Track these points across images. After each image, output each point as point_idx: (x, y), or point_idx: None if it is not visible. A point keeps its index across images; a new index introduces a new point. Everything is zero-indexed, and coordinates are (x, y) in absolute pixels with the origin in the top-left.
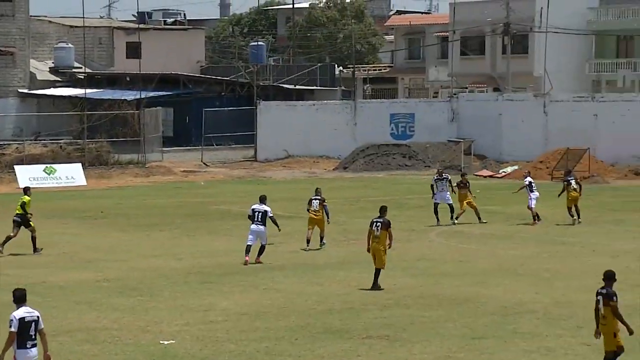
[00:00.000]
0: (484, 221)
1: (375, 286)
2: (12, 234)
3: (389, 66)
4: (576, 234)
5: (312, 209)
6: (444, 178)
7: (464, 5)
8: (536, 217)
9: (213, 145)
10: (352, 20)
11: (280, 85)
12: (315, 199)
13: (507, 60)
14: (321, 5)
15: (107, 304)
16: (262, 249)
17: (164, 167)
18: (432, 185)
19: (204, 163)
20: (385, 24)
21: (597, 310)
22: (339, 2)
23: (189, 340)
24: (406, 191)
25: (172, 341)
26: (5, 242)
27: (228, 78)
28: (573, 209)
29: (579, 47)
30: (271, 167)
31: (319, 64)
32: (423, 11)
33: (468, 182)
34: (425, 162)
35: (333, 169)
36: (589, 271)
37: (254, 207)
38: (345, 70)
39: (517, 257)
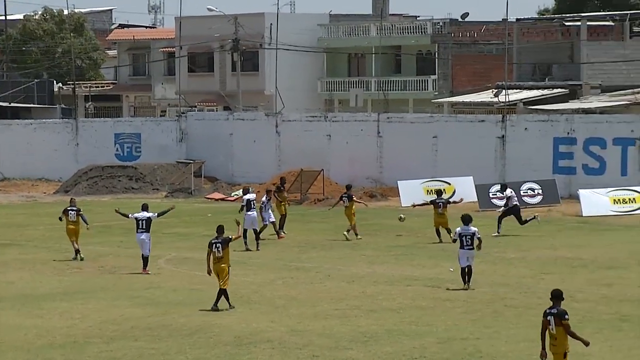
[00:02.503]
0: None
1: (215, 307)
2: None
3: (112, 83)
4: (311, 259)
5: (69, 219)
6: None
7: (191, 19)
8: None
9: None
10: (72, 34)
11: None
12: (72, 210)
13: (237, 77)
14: (37, 17)
15: None
16: (145, 259)
17: None
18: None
19: None
20: (107, 38)
21: (544, 331)
22: (56, 14)
23: None
24: None
25: None
26: None
27: None
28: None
29: (311, 65)
30: None
31: (36, 80)
32: (147, 25)
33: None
34: (153, 185)
35: (54, 193)
36: (325, 297)
37: (136, 215)
38: (65, 87)
39: (251, 284)
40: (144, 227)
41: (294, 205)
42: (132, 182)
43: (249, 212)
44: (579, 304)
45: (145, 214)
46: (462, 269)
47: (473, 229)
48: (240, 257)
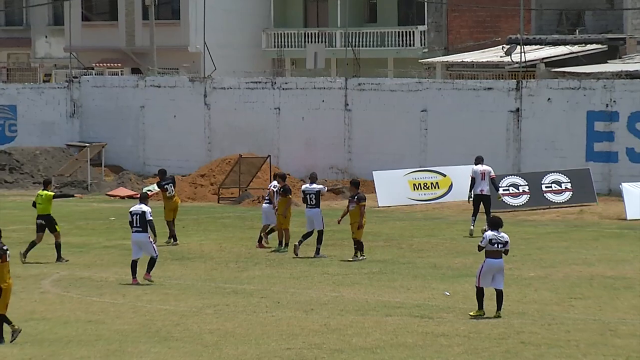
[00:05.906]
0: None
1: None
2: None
3: None
4: (254, 279)
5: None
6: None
7: None
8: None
9: None
10: None
11: None
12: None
13: (150, 29)
14: None
15: None
16: (150, 262)
17: None
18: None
19: None
20: None
21: None
22: None
23: None
24: (6, 220)
25: None
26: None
27: None
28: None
29: (253, 11)
30: None
31: None
32: None
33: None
34: (34, 177)
35: None
36: (273, 332)
37: (131, 209)
38: None
39: (171, 314)
40: (138, 224)
41: (229, 204)
42: (4, 172)
43: None
44: (622, 340)
45: (142, 207)
46: (479, 290)
47: (506, 236)
48: (155, 276)
